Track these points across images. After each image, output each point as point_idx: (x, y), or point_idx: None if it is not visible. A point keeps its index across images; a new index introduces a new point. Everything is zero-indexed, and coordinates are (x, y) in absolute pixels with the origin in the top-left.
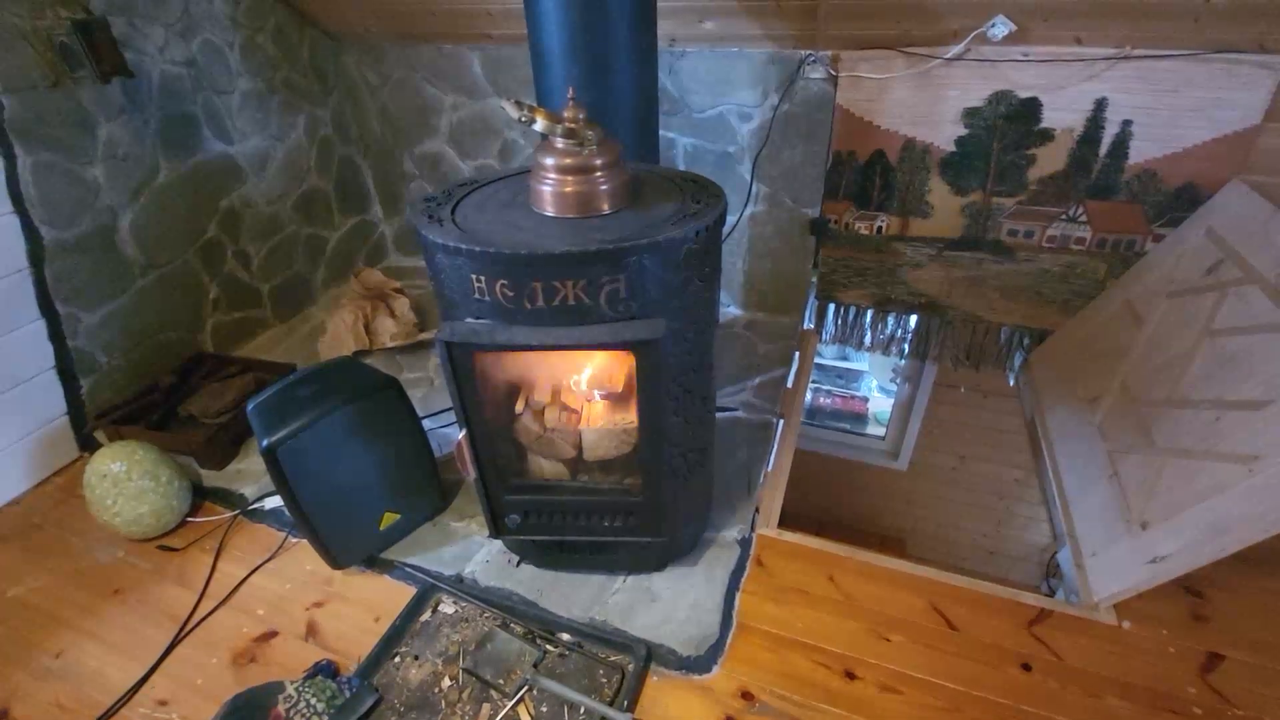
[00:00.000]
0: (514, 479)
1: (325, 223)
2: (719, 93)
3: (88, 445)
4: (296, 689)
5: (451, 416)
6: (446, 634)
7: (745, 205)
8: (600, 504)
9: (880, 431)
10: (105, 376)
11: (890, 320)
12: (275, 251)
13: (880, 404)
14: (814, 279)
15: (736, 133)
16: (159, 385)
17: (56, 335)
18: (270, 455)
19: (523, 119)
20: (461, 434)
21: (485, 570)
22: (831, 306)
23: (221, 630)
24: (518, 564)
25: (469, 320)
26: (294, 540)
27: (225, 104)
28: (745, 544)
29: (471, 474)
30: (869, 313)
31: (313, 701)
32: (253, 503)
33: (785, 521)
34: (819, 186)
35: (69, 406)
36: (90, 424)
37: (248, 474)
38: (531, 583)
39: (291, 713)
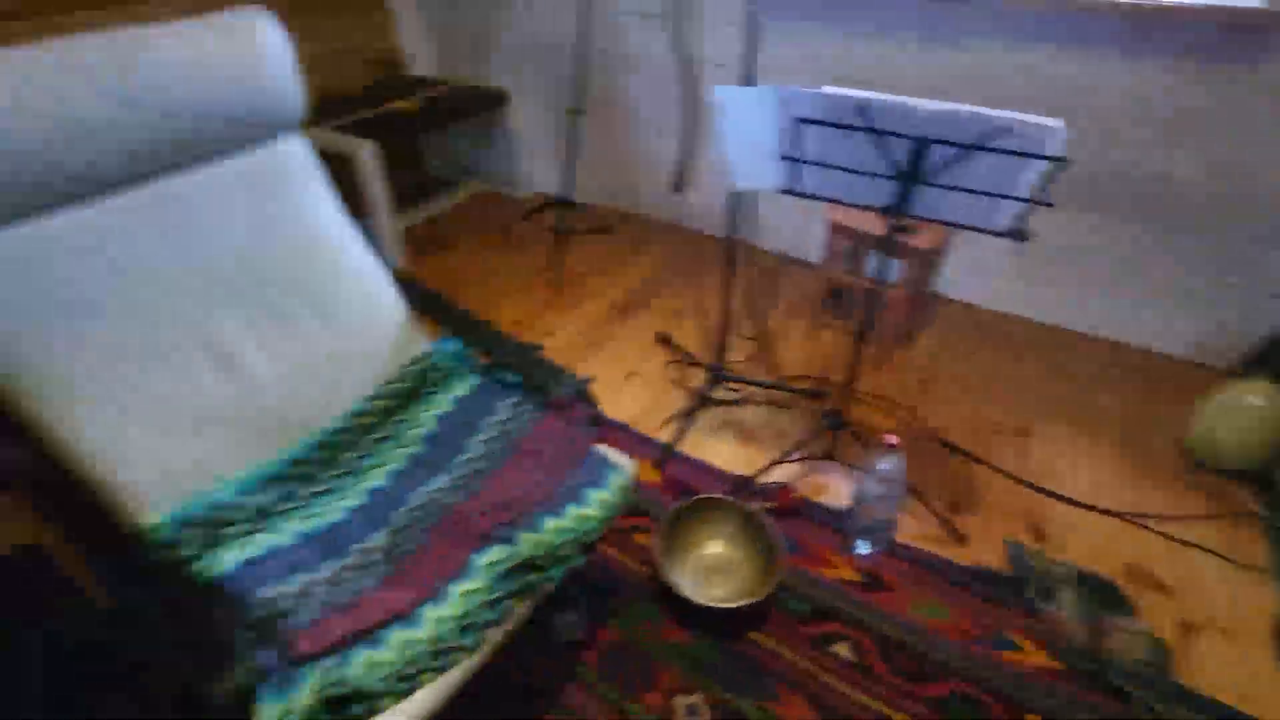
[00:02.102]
0: None
1: None
2: None
3: (1244, 367)
4: (1140, 631)
5: None
6: None
7: None
8: None
9: None
10: None
11: None
12: None
13: None
14: None
15: None
16: None
17: None
18: None
19: None
20: None
21: None
22: None
23: (1145, 550)
24: None
25: None
26: (1264, 575)
27: None
28: None
29: None
30: None
31: (1136, 649)
32: None
33: None
34: None
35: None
36: (1271, 356)
37: None
38: None
39: (1118, 630)
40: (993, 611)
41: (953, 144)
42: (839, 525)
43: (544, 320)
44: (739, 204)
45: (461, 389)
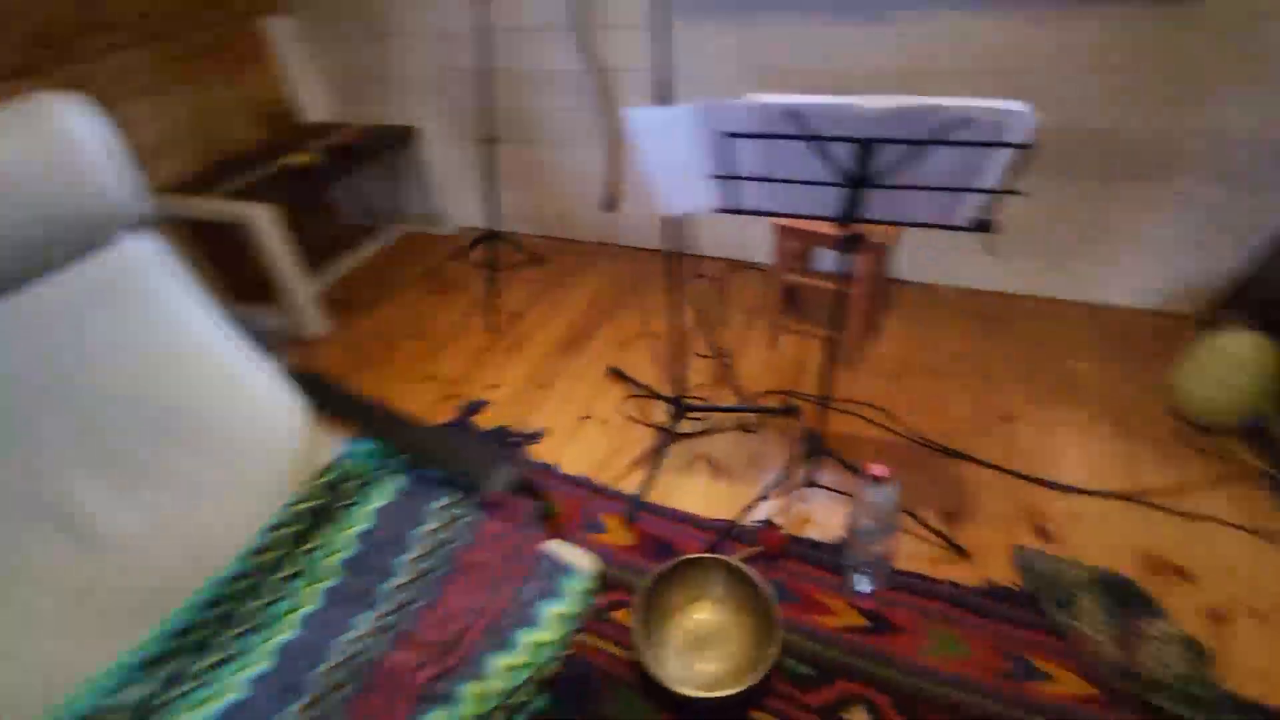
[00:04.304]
0: None
1: None
2: None
3: (1208, 313)
4: (1172, 634)
5: None
6: None
7: None
8: None
9: None
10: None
11: None
12: None
13: None
14: None
15: None
16: None
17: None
18: None
19: None
20: None
21: None
22: None
23: (1157, 531)
24: None
25: None
26: None
27: None
28: None
29: None
30: None
31: (1172, 657)
32: None
33: None
34: None
35: (1238, 275)
36: (1232, 302)
37: None
38: None
39: (1149, 638)
40: (1014, 636)
41: (904, 142)
42: (833, 562)
43: (486, 369)
44: (674, 217)
45: (384, 497)
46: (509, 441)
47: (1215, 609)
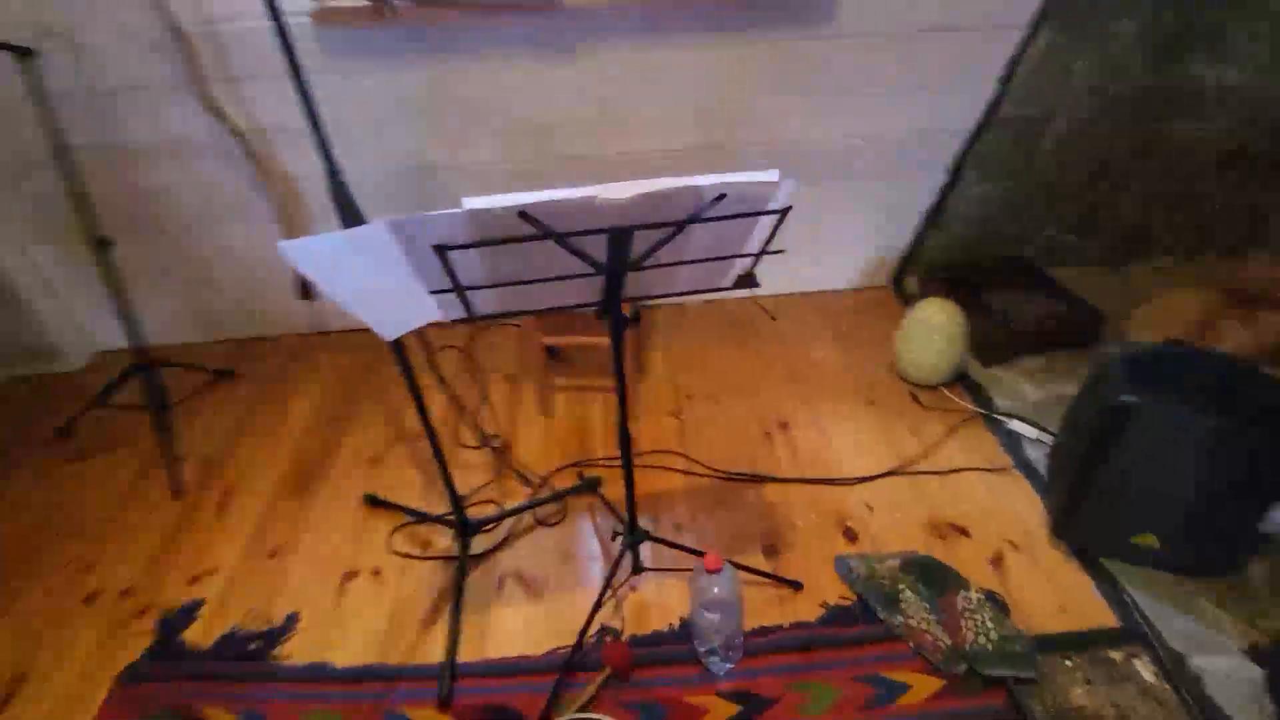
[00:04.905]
0: None
1: (1265, 186)
2: None
3: (896, 283)
4: (979, 599)
5: None
6: (1133, 694)
7: None
8: None
9: None
10: (943, 240)
11: None
12: (1167, 199)
13: None
14: None
15: None
16: (979, 268)
17: (945, 191)
18: (1117, 410)
19: None
20: None
21: (1225, 681)
22: None
23: (930, 496)
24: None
25: None
26: (1010, 471)
27: (1231, 27)
28: None
29: None
30: None
31: (987, 623)
32: (1001, 415)
33: None
34: None
35: (908, 248)
36: (911, 270)
37: (1003, 385)
38: None
39: (966, 613)
40: (865, 657)
41: (659, 225)
42: (686, 649)
43: (186, 552)
44: None
45: None
46: (248, 651)
47: (991, 556)
